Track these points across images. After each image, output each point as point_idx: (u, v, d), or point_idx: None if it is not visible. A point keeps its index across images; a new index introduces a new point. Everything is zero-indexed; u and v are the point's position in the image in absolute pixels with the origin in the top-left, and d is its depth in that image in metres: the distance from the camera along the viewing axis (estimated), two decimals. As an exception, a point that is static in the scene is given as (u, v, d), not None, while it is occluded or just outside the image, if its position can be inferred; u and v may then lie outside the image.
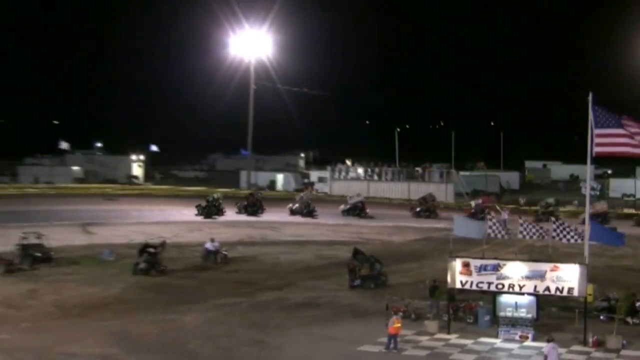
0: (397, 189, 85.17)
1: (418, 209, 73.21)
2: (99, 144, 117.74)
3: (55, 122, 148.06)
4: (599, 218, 60.04)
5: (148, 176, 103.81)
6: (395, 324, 30.95)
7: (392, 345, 30.58)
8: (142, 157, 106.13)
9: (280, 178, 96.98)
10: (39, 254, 47.66)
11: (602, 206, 68.42)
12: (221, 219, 68.26)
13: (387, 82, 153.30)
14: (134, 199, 72.05)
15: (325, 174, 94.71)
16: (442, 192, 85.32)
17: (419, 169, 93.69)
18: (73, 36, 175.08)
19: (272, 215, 70.87)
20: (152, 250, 45.97)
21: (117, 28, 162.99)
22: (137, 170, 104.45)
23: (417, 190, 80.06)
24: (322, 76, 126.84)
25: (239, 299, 40.21)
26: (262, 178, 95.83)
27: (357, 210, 71.96)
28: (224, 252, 49.97)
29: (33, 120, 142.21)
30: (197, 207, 68.34)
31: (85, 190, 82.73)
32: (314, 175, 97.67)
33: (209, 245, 49.98)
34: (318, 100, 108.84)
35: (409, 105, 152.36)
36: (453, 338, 32.62)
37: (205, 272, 47.15)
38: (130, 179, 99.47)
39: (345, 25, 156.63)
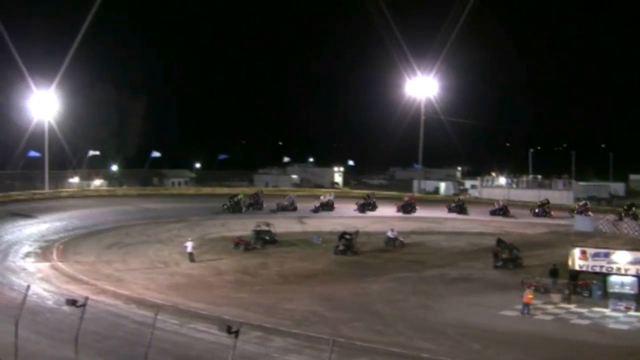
0: (530, 195, 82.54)
1: (536, 210, 70.97)
2: (311, 159, 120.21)
3: (280, 142, 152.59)
4: None
5: (345, 182, 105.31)
6: (528, 295, 30.82)
7: (525, 311, 30.46)
8: (341, 168, 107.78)
9: (442, 185, 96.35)
10: (268, 238, 49.61)
11: None
12: (387, 214, 67.93)
13: (523, 113, 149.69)
14: (336, 199, 73.06)
15: (476, 182, 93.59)
16: (564, 197, 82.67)
17: (547, 180, 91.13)
18: (293, 77, 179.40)
19: (432, 212, 69.95)
20: (348, 236, 46.96)
21: (317, 67, 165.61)
22: (338, 178, 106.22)
23: (545, 196, 77.29)
24: (474, 107, 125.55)
25: (410, 274, 40.54)
26: (429, 185, 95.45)
27: (502, 210, 70.35)
28: (400, 239, 50.33)
29: (265, 141, 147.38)
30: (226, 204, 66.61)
31: (301, 191, 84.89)
32: (468, 183, 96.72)
33: (389, 234, 50.48)
34: (472, 126, 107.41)
35: (540, 130, 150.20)
36: (572, 307, 32.28)
37: (387, 254, 47.67)
38: (333, 184, 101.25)
39: (491, 67, 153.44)
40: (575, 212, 64.96)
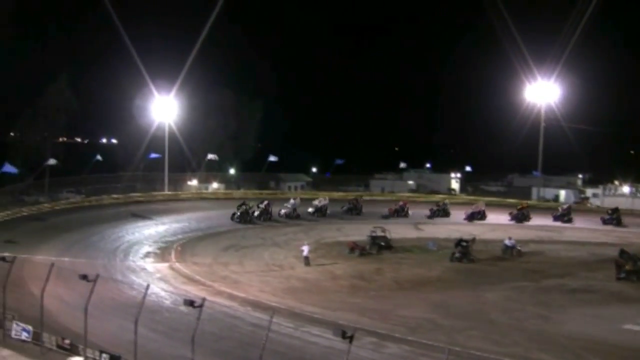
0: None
1: (606, 217, 67.10)
2: (427, 165, 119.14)
3: (396, 148, 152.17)
4: None
5: (462, 189, 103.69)
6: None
7: (651, 327, 28.82)
8: (458, 174, 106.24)
9: (562, 193, 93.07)
10: (383, 243, 49.49)
11: None
12: (501, 221, 66.27)
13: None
14: (452, 205, 71.97)
15: (598, 191, 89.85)
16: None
17: None
18: (412, 82, 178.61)
19: (545, 221, 67.60)
20: (464, 243, 46.24)
21: (436, 72, 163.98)
22: (454, 184, 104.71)
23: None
24: (597, 113, 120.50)
25: (528, 283, 39.47)
26: (548, 193, 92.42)
27: (615, 219, 66.95)
28: (518, 248, 49.08)
29: (381, 147, 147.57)
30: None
31: (417, 197, 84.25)
32: (589, 192, 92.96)
33: (507, 242, 49.33)
34: (594, 133, 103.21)
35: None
36: None
37: (503, 262, 46.62)
38: (450, 190, 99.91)
39: (614, 71, 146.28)
40: None
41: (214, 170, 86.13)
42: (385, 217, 65.49)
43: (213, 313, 27.69)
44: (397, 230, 54.33)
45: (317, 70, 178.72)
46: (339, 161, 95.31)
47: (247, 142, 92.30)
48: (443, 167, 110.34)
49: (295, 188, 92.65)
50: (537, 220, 67.28)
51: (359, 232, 53.03)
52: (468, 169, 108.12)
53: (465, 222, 65.49)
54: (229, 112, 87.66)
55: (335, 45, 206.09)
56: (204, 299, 21.60)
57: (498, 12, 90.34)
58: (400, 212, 68.05)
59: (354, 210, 68.39)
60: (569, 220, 67.97)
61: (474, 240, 47.37)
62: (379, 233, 50.09)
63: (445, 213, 68.87)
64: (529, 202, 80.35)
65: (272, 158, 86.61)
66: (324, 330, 26.89)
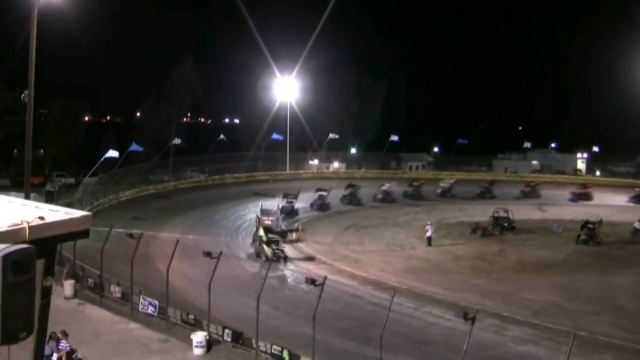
0: None
1: None
2: (552, 145, 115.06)
3: (520, 127, 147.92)
4: None
5: (588, 170, 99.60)
6: None
7: None
8: (585, 155, 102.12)
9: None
10: (506, 224, 48.46)
11: None
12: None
13: None
14: (580, 187, 69.12)
15: None
16: None
17: None
18: (536, 60, 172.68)
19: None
20: (591, 225, 44.51)
21: (563, 50, 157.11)
22: (580, 164, 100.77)
23: None
24: None
25: (662, 269, 37.42)
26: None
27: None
28: (649, 230, 46.70)
29: (505, 126, 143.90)
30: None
31: (541, 179, 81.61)
32: None
33: (637, 224, 47.06)
34: None
35: None
36: None
37: (634, 245, 44.44)
38: (575, 171, 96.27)
39: None
40: None
41: (335, 150, 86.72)
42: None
43: (334, 292, 28.16)
44: (521, 212, 52.89)
45: (443, 52, 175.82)
46: (461, 141, 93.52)
47: (369, 121, 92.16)
48: (569, 147, 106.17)
49: (417, 168, 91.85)
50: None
51: (482, 212, 52.02)
52: (595, 149, 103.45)
53: (593, 204, 62.69)
54: (351, 91, 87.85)
55: (462, 27, 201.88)
56: (325, 278, 21.91)
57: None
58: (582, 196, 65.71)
59: (487, 194, 66.09)
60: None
61: (600, 222, 45.41)
62: (502, 214, 49.04)
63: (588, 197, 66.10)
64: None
65: (394, 137, 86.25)
66: (445, 311, 26.77)
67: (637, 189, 67.96)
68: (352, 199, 59.65)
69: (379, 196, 61.77)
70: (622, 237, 46.56)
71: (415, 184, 67.10)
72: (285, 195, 53.74)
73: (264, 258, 36.18)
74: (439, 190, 65.90)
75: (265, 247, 37.02)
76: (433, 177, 77.03)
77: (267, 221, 39.82)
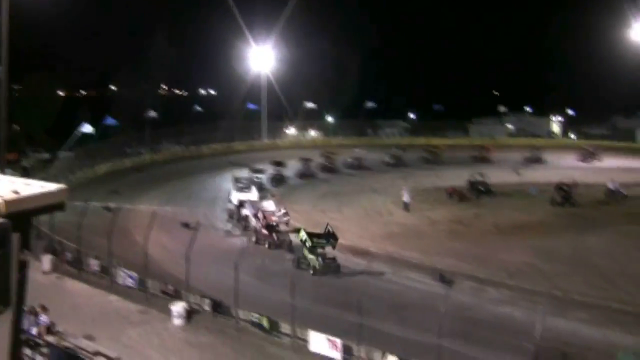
0: None
1: None
2: (527, 108, 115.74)
3: (496, 92, 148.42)
4: None
5: (564, 133, 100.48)
6: None
7: None
8: (559, 118, 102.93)
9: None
10: (482, 188, 48.80)
11: None
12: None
13: None
14: (550, 150, 69.85)
15: None
16: None
17: None
18: (508, 24, 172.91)
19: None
20: (565, 187, 44.99)
21: (533, 13, 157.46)
22: (555, 127, 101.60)
23: None
24: None
25: (633, 227, 38.00)
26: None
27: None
28: (622, 191, 47.27)
29: (481, 91, 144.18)
30: None
31: (516, 142, 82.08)
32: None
33: (610, 185, 47.59)
34: None
35: None
36: None
37: (606, 206, 44.85)
38: (550, 134, 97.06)
39: None
40: None
41: (312, 119, 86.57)
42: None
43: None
44: (497, 176, 53.25)
45: (415, 16, 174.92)
46: (436, 106, 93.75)
47: (345, 89, 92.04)
48: (544, 110, 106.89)
49: (393, 134, 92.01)
50: (636, 163, 64.42)
51: (458, 177, 52.31)
52: (570, 112, 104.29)
53: (567, 167, 63.27)
54: (327, 60, 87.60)
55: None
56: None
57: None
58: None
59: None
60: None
61: (575, 184, 45.89)
62: (478, 178, 49.37)
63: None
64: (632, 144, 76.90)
65: (370, 104, 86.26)
66: (423, 275, 27.07)
67: (583, 148, 68.91)
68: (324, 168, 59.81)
69: (349, 160, 62.59)
70: (596, 198, 47.08)
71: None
72: (277, 164, 54.11)
73: (311, 272, 28.79)
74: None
75: (309, 255, 29.45)
76: (409, 144, 77.27)
77: (265, 204, 37.69)
